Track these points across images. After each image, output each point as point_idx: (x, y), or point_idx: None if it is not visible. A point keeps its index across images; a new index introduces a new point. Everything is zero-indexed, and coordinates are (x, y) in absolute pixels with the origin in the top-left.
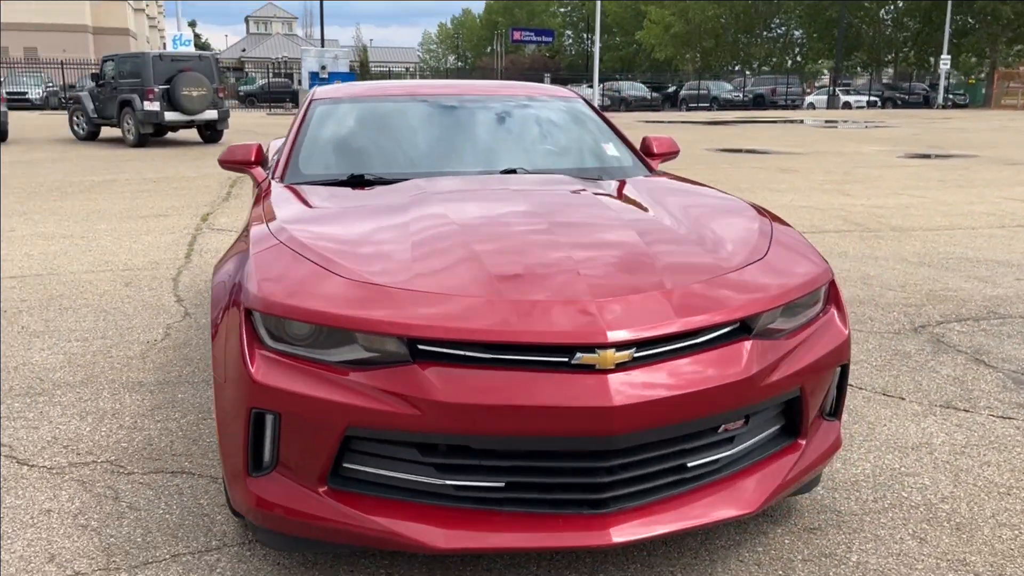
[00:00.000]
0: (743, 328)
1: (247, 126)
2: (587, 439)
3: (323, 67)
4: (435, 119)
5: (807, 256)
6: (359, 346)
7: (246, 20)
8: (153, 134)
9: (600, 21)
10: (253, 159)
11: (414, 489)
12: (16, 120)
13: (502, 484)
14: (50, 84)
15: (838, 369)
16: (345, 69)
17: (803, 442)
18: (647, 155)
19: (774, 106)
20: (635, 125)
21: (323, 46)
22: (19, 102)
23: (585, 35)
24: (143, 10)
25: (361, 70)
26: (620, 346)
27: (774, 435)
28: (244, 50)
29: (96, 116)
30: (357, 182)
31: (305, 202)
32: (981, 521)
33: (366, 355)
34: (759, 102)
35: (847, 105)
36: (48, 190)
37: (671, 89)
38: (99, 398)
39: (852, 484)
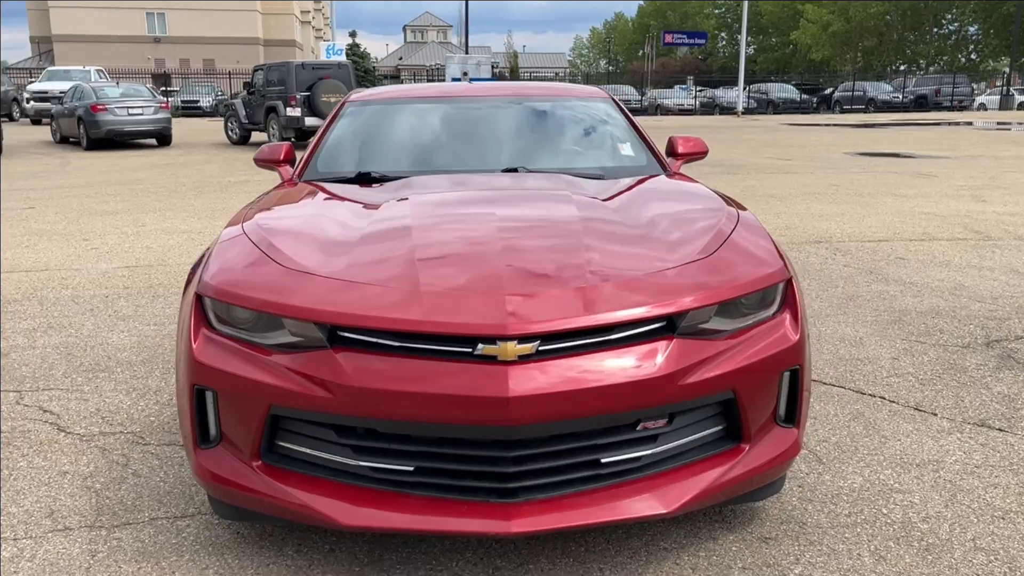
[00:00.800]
0: (668, 326)
1: None
2: (487, 428)
3: (465, 73)
4: (454, 120)
5: (759, 258)
6: (287, 331)
7: (404, 29)
8: (296, 138)
9: (754, 21)
10: (282, 158)
11: (335, 468)
12: (186, 126)
13: (411, 468)
14: (220, 93)
15: (787, 374)
16: (487, 75)
17: (746, 447)
18: (671, 155)
19: (938, 108)
20: (753, 127)
21: (467, 52)
22: (192, 109)
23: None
24: (309, 22)
25: (512, 76)
26: (522, 339)
27: (714, 437)
28: (401, 58)
29: (247, 122)
30: (363, 180)
31: (294, 197)
32: (956, 544)
33: (292, 339)
34: (921, 104)
35: (1023, 106)
36: (188, 189)
37: (828, 91)
38: (150, 377)
39: (832, 496)
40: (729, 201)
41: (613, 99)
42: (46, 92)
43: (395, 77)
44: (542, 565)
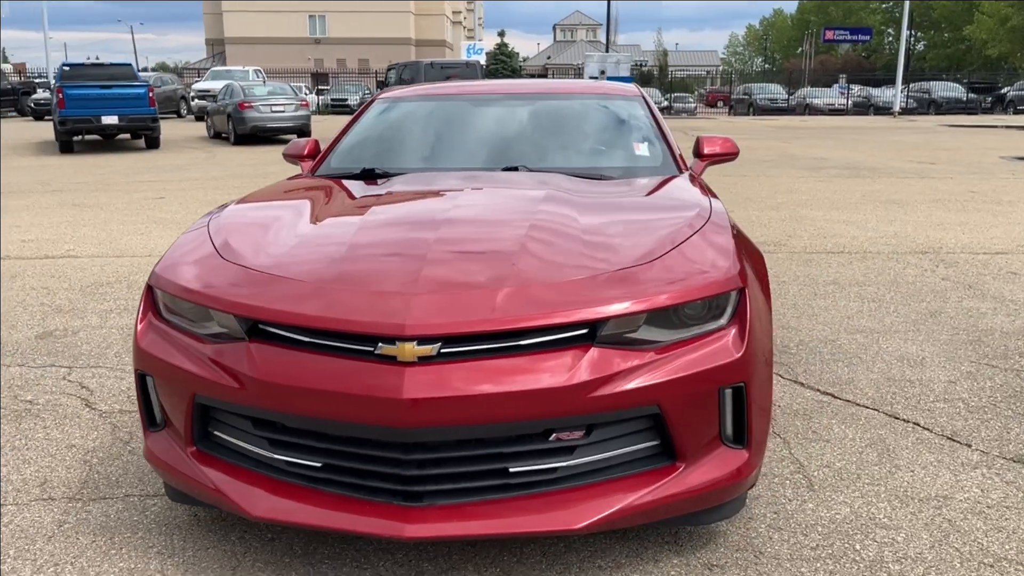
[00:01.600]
0: (588, 334)
1: None
2: (385, 429)
3: (602, 71)
4: (471, 118)
5: (709, 266)
6: (215, 322)
7: (554, 28)
8: None
9: (924, 15)
10: (305, 153)
11: (256, 459)
12: (330, 123)
13: (319, 464)
14: (367, 92)
15: (728, 391)
16: (626, 74)
17: (681, 466)
18: (697, 156)
19: None
20: (905, 129)
21: (607, 51)
22: (341, 107)
23: (910, 31)
24: (460, 23)
25: (660, 74)
26: (423, 340)
27: (646, 453)
28: (549, 57)
29: None
30: (367, 176)
31: (280, 191)
32: None
33: (219, 330)
34: None
35: None
36: None
37: (1004, 90)
38: None
39: (805, 527)
40: (710, 208)
41: (643, 98)
42: (208, 91)
43: (542, 76)
44: (467, 572)
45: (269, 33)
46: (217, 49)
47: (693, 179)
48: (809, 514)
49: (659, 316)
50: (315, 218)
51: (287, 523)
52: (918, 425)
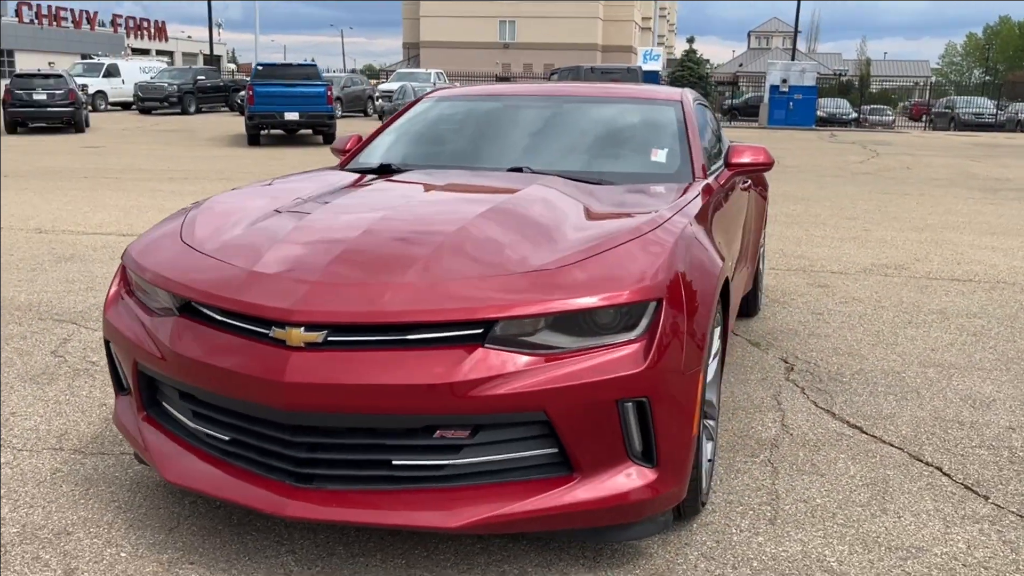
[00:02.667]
0: (480, 334)
1: None
2: (271, 410)
3: (783, 80)
4: (499, 118)
5: (628, 274)
6: (160, 297)
7: (748, 35)
8: None
9: None
10: (346, 148)
11: (184, 429)
12: None
13: (227, 438)
14: None
15: (630, 405)
16: (811, 83)
17: (576, 477)
18: (726, 165)
19: None
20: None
21: (793, 59)
22: None
23: None
24: (649, 28)
25: (860, 85)
26: (310, 326)
27: (542, 460)
28: (741, 64)
29: None
30: (383, 170)
31: (276, 182)
32: None
33: (165, 305)
34: None
35: None
36: None
37: None
38: None
39: (739, 561)
40: (667, 217)
41: (685, 104)
42: (389, 91)
43: (732, 84)
44: (373, 561)
45: (461, 38)
46: (412, 52)
47: (707, 188)
48: (753, 548)
49: (565, 321)
50: (280, 208)
51: (191, 488)
52: (939, 470)
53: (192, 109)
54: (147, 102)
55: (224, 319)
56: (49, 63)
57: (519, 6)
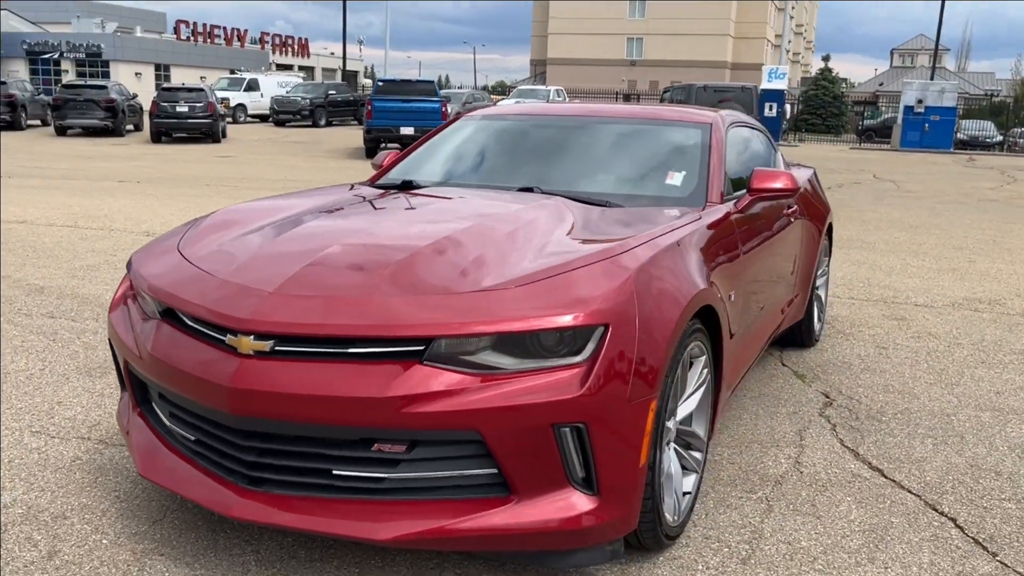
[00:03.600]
0: (419, 351)
1: (819, 158)
2: (220, 414)
3: (919, 100)
4: (523, 138)
5: (576, 299)
6: (149, 302)
7: (891, 53)
8: None
9: None
10: (383, 164)
11: (164, 426)
12: None
13: (193, 439)
14: None
15: (567, 431)
16: (951, 104)
17: (513, 499)
18: (748, 190)
19: None
20: None
21: (932, 77)
22: None
23: None
24: (781, 46)
25: (1013, 106)
26: (259, 335)
27: (481, 481)
28: (881, 84)
29: None
30: (405, 186)
31: (291, 196)
32: None
33: (152, 309)
34: None
35: None
36: None
37: None
38: None
39: None
40: (638, 244)
41: (715, 129)
42: None
43: (872, 103)
44: (328, 567)
45: (587, 55)
46: (539, 69)
47: (720, 214)
48: None
49: (508, 342)
50: (277, 221)
51: (157, 483)
52: (952, 521)
53: (322, 122)
54: (281, 115)
55: (193, 324)
56: (201, 77)
57: (648, 24)
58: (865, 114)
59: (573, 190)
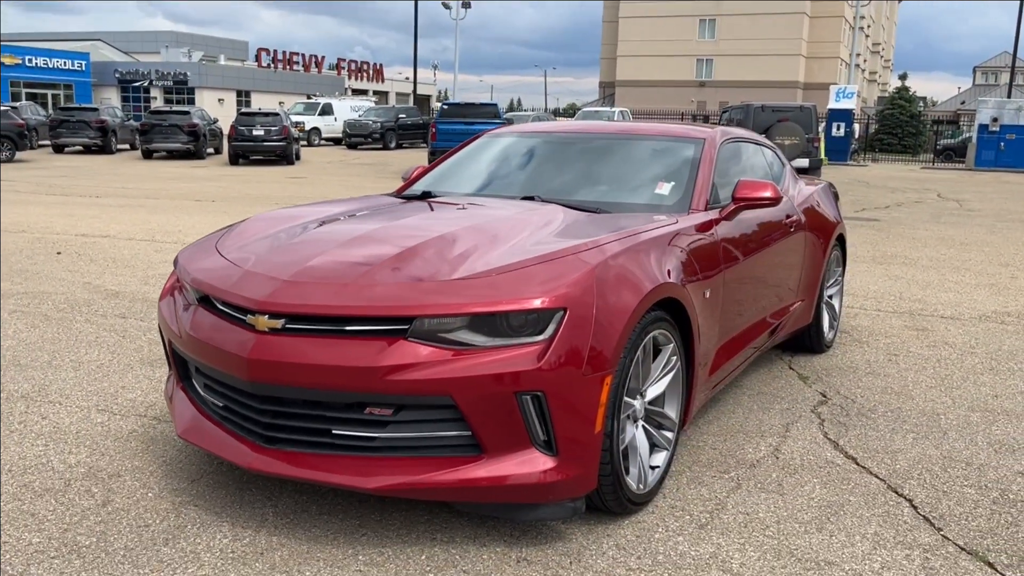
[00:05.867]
0: (404, 329)
1: (883, 177)
2: (239, 380)
3: (994, 119)
4: (533, 152)
5: (540, 286)
6: (190, 291)
7: (974, 71)
8: None
9: None
10: (412, 177)
11: (200, 396)
12: None
13: (221, 404)
14: None
15: (527, 398)
16: None
17: (483, 457)
18: (732, 198)
19: None
20: None
21: (1009, 95)
22: None
23: None
24: (859, 65)
25: None
26: (273, 315)
27: (456, 441)
28: (963, 102)
29: None
30: (424, 196)
31: (328, 203)
32: None
33: (192, 297)
34: None
35: None
36: None
37: None
38: None
39: (643, 553)
40: (606, 242)
41: (708, 144)
42: None
43: (952, 123)
44: (334, 519)
45: (655, 76)
46: (608, 91)
47: (699, 220)
48: (667, 545)
49: (481, 322)
50: (301, 223)
51: (192, 443)
52: (909, 502)
53: (392, 144)
54: (353, 138)
55: (222, 307)
56: (279, 102)
57: (719, 44)
58: (944, 133)
59: (570, 199)
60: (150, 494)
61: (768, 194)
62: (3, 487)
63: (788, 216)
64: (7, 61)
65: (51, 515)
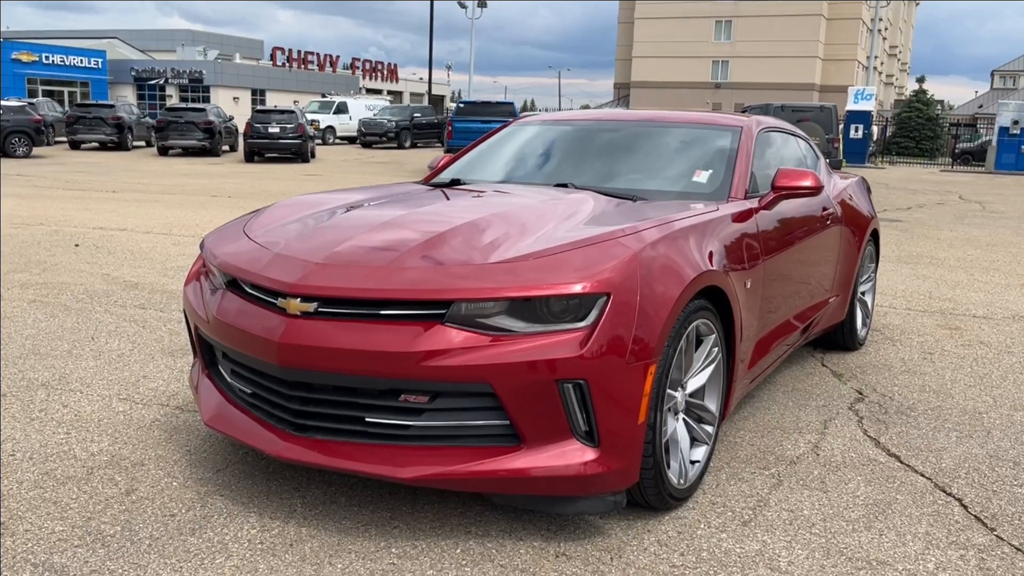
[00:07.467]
0: (442, 314)
1: (902, 179)
2: (269, 365)
3: (1015, 122)
4: (564, 140)
5: (582, 271)
6: (217, 275)
7: (992, 74)
8: None
9: None
10: (438, 166)
11: (227, 383)
12: None
13: (249, 391)
14: None
15: (569, 386)
16: None
17: (521, 448)
18: (772, 187)
19: None
20: None
21: None
22: None
23: None
24: (876, 68)
25: None
26: (305, 298)
27: (494, 431)
28: (981, 106)
29: None
30: (453, 183)
31: (355, 190)
32: None
33: (219, 280)
34: None
35: None
36: None
37: None
38: None
39: (687, 550)
40: (647, 229)
41: (745, 132)
42: None
43: (970, 126)
44: (364, 511)
45: (671, 78)
46: (623, 92)
47: (739, 208)
48: (711, 542)
49: (520, 307)
50: (329, 208)
51: (218, 430)
52: (959, 501)
53: (407, 144)
54: (368, 136)
55: (251, 291)
56: (294, 101)
57: (735, 46)
58: (962, 136)
59: (604, 186)
60: (175, 483)
61: (809, 183)
62: (25, 475)
63: (824, 209)
64: (24, 58)
65: (74, 503)
